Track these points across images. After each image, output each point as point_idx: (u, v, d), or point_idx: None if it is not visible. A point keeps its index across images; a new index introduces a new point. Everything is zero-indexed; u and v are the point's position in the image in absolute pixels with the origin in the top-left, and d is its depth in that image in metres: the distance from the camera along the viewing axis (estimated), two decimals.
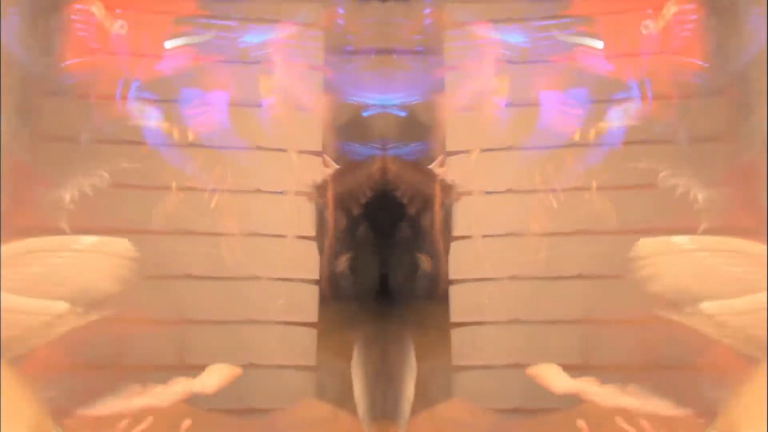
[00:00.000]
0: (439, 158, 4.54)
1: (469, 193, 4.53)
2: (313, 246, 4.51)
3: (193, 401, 4.18)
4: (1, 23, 4.25)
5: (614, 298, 4.35)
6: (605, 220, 4.44)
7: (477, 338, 4.42)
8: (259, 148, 4.58)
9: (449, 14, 4.65)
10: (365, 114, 4.57)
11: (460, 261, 4.53)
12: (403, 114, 4.55)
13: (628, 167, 4.46)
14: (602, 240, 4.41)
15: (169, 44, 4.57)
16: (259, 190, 4.54)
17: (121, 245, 4.23)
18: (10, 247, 4.09)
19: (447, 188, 4.50)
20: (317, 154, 4.57)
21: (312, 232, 4.53)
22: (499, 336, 4.42)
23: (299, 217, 4.53)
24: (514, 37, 4.62)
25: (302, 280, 4.48)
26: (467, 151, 4.58)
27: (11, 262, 4.06)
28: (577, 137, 4.56)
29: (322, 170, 4.54)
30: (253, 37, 4.63)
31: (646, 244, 4.19)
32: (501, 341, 4.39)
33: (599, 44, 4.59)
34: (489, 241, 4.51)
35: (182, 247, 4.46)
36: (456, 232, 4.53)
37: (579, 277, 4.44)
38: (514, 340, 4.39)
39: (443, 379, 4.40)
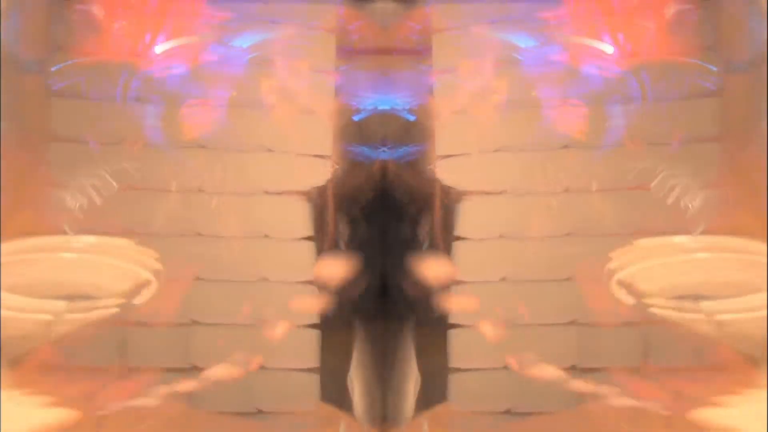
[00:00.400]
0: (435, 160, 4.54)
1: (468, 195, 4.52)
2: (312, 247, 4.50)
3: (198, 403, 4.17)
4: (2, 23, 4.26)
5: (607, 301, 4.33)
6: (603, 221, 4.44)
7: (473, 340, 4.41)
8: (260, 149, 4.58)
9: (449, 15, 4.65)
10: (367, 116, 4.56)
11: (459, 262, 4.52)
12: (411, 118, 4.54)
13: (627, 168, 4.46)
14: (601, 241, 4.40)
15: (169, 44, 4.57)
16: (259, 192, 4.54)
17: (123, 245, 4.24)
18: (11, 247, 4.09)
19: (447, 189, 4.49)
20: (319, 155, 4.57)
21: (312, 234, 4.52)
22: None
23: (300, 219, 4.52)
24: (514, 37, 4.62)
25: (303, 282, 4.47)
26: (467, 153, 4.57)
27: (11, 261, 4.06)
28: (576, 138, 4.55)
29: (323, 171, 4.53)
30: (254, 37, 4.63)
31: (645, 245, 4.19)
32: (495, 343, 4.37)
33: (600, 44, 4.59)
34: (487, 243, 4.50)
35: (188, 249, 4.45)
36: (456, 234, 4.52)
37: (570, 279, 4.42)
38: (508, 342, 4.37)
39: (442, 380, 4.39)
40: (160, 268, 4.30)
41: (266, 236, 4.50)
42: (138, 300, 4.19)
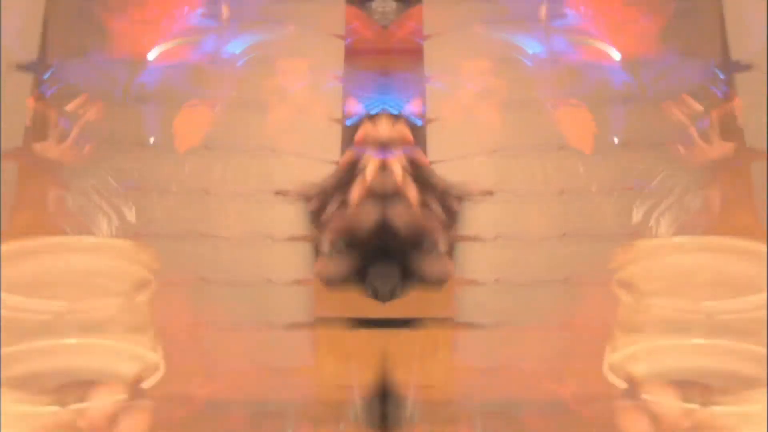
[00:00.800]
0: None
1: (467, 195, 4.52)
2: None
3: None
4: (1, 23, 4.27)
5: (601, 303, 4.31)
6: (603, 222, 4.44)
7: (469, 339, 4.40)
8: (261, 149, 4.58)
9: (449, 15, 4.65)
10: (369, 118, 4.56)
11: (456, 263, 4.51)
12: (419, 123, 4.53)
13: (627, 168, 4.46)
14: (601, 242, 4.39)
15: (170, 44, 4.58)
16: (260, 192, 4.54)
17: (124, 246, 4.24)
18: (11, 247, 4.09)
19: (447, 189, 4.49)
20: (320, 156, 4.56)
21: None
22: (487, 338, 4.39)
23: (300, 219, 4.52)
24: (514, 38, 4.62)
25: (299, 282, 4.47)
26: (466, 154, 4.57)
27: (12, 261, 4.06)
28: (576, 141, 4.55)
29: (323, 171, 4.53)
30: (255, 38, 4.63)
31: (645, 245, 4.19)
32: (489, 343, 4.37)
33: (601, 45, 4.59)
34: (484, 244, 4.49)
35: (189, 250, 4.45)
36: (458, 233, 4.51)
37: (567, 280, 4.41)
38: (501, 343, 4.36)
39: (443, 380, 4.38)
40: (161, 269, 4.29)
41: (268, 237, 4.50)
42: (138, 300, 4.19)
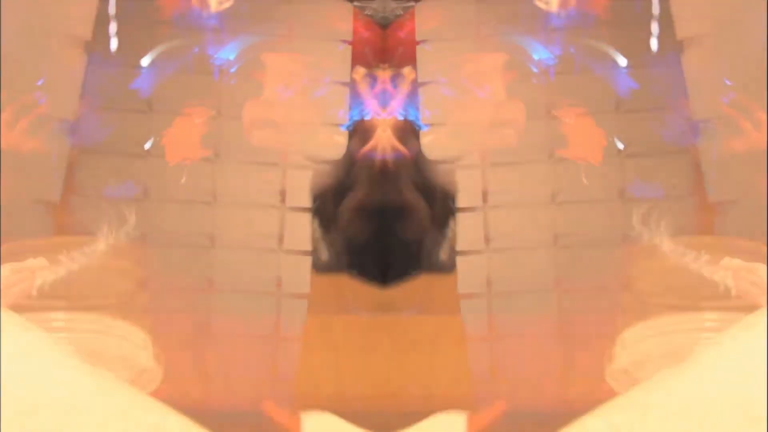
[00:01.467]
0: None
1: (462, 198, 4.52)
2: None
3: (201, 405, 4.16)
4: (2, 23, 4.29)
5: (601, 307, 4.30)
6: (603, 224, 4.43)
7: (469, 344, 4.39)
8: (262, 154, 4.59)
9: (449, 15, 4.66)
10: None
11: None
12: (424, 127, 4.54)
13: (626, 170, 4.46)
14: (600, 244, 4.39)
15: (168, 45, 4.59)
16: (262, 198, 4.54)
17: (124, 248, 4.24)
18: (11, 247, 4.11)
19: (445, 191, 4.49)
20: (322, 158, 4.57)
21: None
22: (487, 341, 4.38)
23: (303, 225, 4.53)
24: (514, 39, 4.63)
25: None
26: (463, 156, 4.57)
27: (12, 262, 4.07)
28: (581, 147, 4.56)
29: (326, 175, 4.53)
30: (254, 39, 4.64)
31: (644, 247, 4.20)
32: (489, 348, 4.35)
33: (602, 46, 4.59)
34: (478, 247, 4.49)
35: (194, 255, 4.45)
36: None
37: (564, 284, 4.39)
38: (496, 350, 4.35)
39: (444, 381, 4.38)
40: (161, 273, 4.30)
41: (269, 239, 4.50)
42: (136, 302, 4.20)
